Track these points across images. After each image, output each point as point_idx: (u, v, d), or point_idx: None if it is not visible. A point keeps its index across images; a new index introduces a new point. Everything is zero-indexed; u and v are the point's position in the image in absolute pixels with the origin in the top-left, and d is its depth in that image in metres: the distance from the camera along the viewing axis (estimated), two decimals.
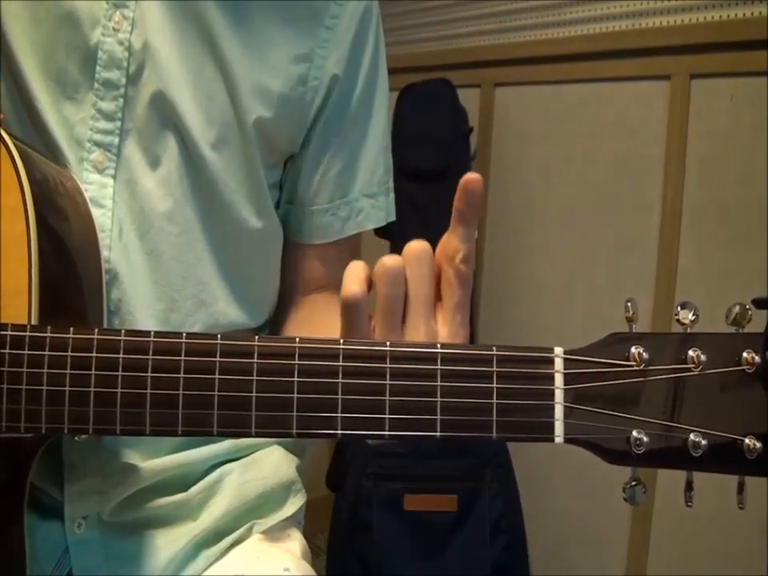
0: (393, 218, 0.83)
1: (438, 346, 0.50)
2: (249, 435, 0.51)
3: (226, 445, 0.77)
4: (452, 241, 0.53)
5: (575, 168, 1.73)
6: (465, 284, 0.53)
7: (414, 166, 1.97)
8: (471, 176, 0.51)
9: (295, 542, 0.80)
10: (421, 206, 1.96)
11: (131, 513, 0.71)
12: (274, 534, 0.79)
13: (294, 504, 0.80)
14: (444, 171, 1.95)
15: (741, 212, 1.36)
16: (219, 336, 0.51)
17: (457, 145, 1.96)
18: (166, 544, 0.72)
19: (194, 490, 0.74)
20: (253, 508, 0.78)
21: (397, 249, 1.93)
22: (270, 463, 0.79)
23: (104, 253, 0.68)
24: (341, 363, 0.50)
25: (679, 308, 0.51)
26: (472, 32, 2.02)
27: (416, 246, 0.53)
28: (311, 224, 0.80)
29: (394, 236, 1.99)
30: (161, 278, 0.71)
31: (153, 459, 0.72)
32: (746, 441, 0.49)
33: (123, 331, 0.52)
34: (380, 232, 2.08)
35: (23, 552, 0.60)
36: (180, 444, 0.74)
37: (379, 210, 0.81)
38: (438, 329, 0.53)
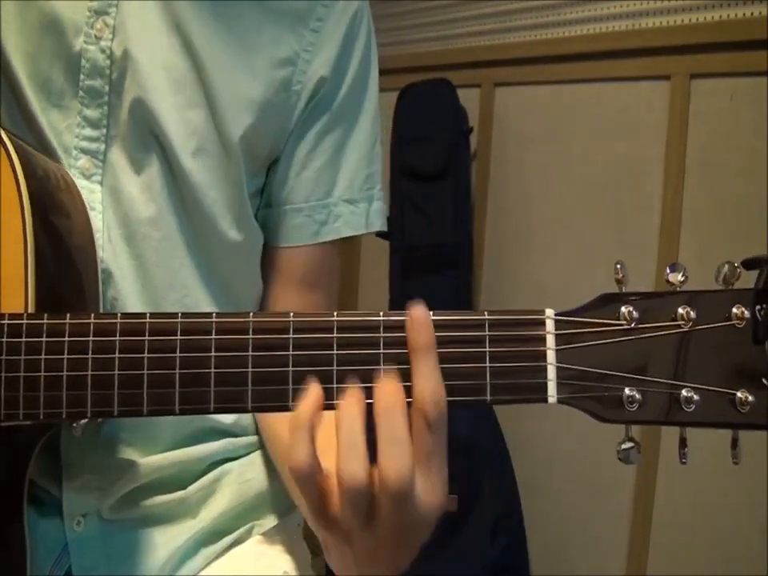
0: (377, 228, 0.80)
1: (431, 314, 0.50)
2: (245, 410, 0.51)
3: (224, 443, 0.77)
4: (416, 381, 0.48)
5: (575, 168, 1.73)
6: (434, 429, 0.47)
7: (413, 166, 1.97)
8: (415, 308, 0.49)
9: (294, 544, 0.80)
10: (421, 206, 1.96)
11: (130, 510, 0.71)
12: (273, 535, 0.79)
13: (292, 505, 0.80)
14: (444, 171, 1.95)
15: (741, 212, 1.36)
16: (214, 314, 0.51)
17: (457, 145, 1.96)
18: (165, 542, 0.72)
19: (192, 488, 0.74)
20: (251, 508, 0.78)
21: (396, 249, 1.95)
22: (268, 463, 0.79)
23: (99, 252, 0.68)
24: (335, 335, 0.50)
25: (668, 270, 0.51)
26: (472, 32, 2.02)
27: (386, 402, 0.48)
28: (285, 224, 0.77)
29: (394, 236, 1.99)
30: (147, 283, 0.71)
31: (151, 456, 0.72)
32: (738, 394, 0.49)
33: (119, 314, 0.52)
34: (380, 232, 2.08)
35: (24, 549, 0.60)
36: (178, 441, 0.74)
37: (359, 216, 0.78)
38: (417, 494, 0.48)
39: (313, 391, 0.49)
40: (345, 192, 0.77)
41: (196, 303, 0.73)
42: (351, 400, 0.48)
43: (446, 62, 2.11)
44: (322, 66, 0.73)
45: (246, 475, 0.78)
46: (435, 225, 1.94)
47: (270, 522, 0.79)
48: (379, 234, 2.36)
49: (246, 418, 0.80)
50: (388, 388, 0.48)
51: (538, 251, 1.84)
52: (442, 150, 1.95)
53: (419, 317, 0.49)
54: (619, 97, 1.62)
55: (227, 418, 0.77)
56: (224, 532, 0.76)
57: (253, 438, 0.80)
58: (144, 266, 0.71)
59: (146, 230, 0.70)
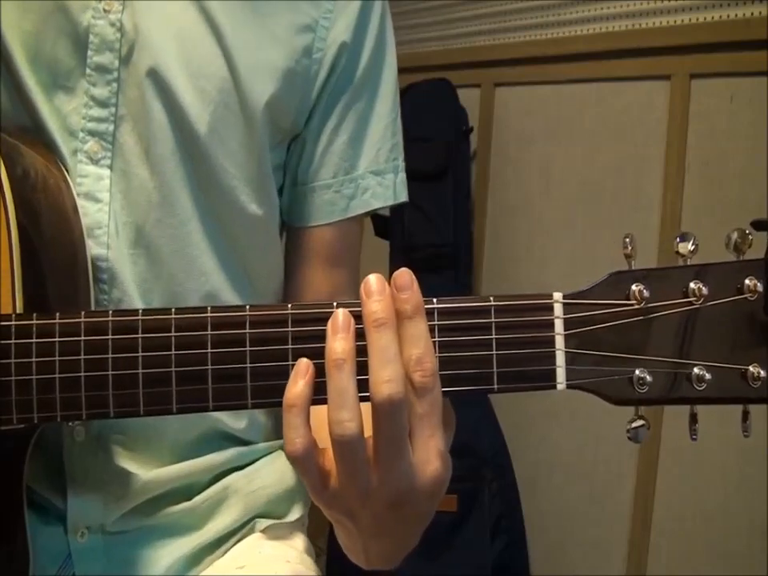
0: (402, 198, 0.79)
1: (435, 300, 0.49)
2: (245, 407, 0.50)
3: (231, 453, 0.75)
4: (402, 347, 0.47)
5: (575, 168, 1.73)
6: (423, 392, 0.47)
7: (414, 166, 1.96)
8: (398, 273, 0.48)
9: (297, 539, 0.80)
10: (421, 206, 1.96)
11: (135, 522, 0.70)
12: (276, 531, 0.78)
13: (298, 510, 0.80)
14: (444, 171, 1.95)
15: (741, 212, 1.36)
16: (209, 309, 0.50)
17: (457, 145, 1.96)
18: (170, 552, 0.71)
19: (198, 498, 0.73)
20: (258, 516, 0.77)
21: (396, 249, 1.94)
22: (273, 471, 0.78)
23: (101, 251, 0.66)
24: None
25: (678, 239, 0.50)
26: (472, 32, 2.02)
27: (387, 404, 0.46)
28: (314, 202, 0.75)
29: (394, 236, 1.99)
30: (162, 273, 0.69)
31: (156, 470, 0.71)
32: (750, 369, 0.48)
33: (111, 312, 0.51)
34: (380, 232, 2.08)
35: (27, 554, 0.59)
36: (183, 448, 0.72)
37: (386, 188, 0.77)
38: (412, 458, 0.47)
39: (303, 369, 0.48)
40: (371, 164, 0.76)
41: (216, 290, 0.71)
42: (341, 345, 0.47)
43: (446, 62, 2.11)
44: (342, 32, 0.72)
45: (254, 484, 0.76)
46: (435, 225, 1.94)
47: (273, 520, 0.78)
48: (379, 234, 2.34)
49: (258, 423, 0.78)
50: (377, 305, 0.47)
51: (537, 251, 1.84)
52: (442, 149, 1.95)
53: (403, 282, 0.48)
54: (619, 97, 1.62)
55: (239, 423, 0.75)
56: (228, 536, 0.75)
57: (261, 446, 0.78)
58: (158, 255, 0.68)
59: (159, 216, 0.68)
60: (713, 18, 1.38)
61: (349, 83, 0.74)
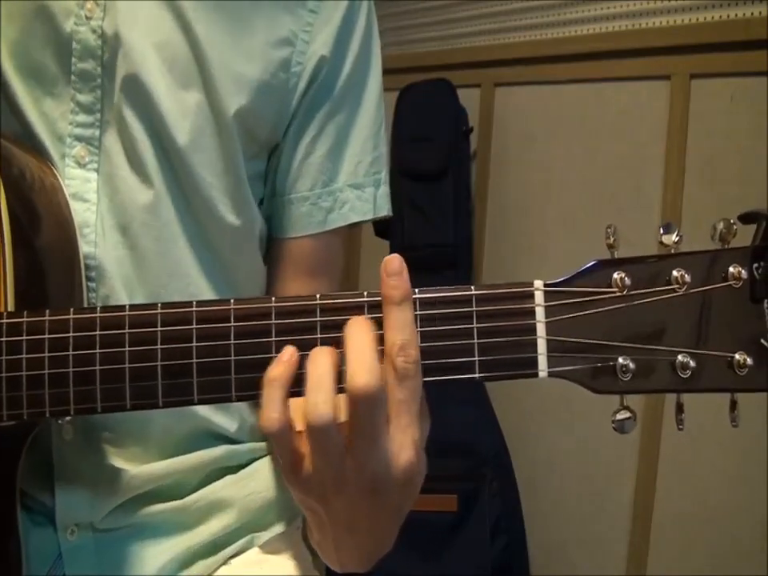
0: (384, 213, 0.78)
1: (416, 291, 0.50)
2: (230, 400, 0.50)
3: (222, 451, 0.75)
4: (387, 333, 0.48)
5: (575, 168, 1.73)
6: (404, 379, 0.47)
7: (413, 166, 1.97)
8: (389, 258, 0.49)
9: (295, 549, 0.79)
10: (421, 206, 1.96)
11: (125, 520, 0.70)
12: (274, 544, 0.78)
13: (292, 517, 0.79)
14: (444, 171, 1.95)
15: (740, 211, 1.36)
16: (195, 303, 0.51)
17: (457, 145, 1.96)
18: (161, 552, 0.71)
19: (189, 499, 0.73)
20: (253, 522, 0.77)
21: (396, 249, 1.95)
22: (266, 475, 0.78)
23: (90, 249, 0.67)
24: (318, 319, 0.50)
25: (662, 230, 0.51)
26: (472, 32, 2.02)
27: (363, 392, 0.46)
28: (291, 214, 0.75)
29: (394, 236, 1.99)
30: (146, 274, 0.69)
31: (144, 465, 0.70)
32: (736, 356, 0.48)
33: (99, 308, 0.52)
34: (380, 232, 2.08)
35: (19, 555, 0.59)
36: (172, 444, 0.72)
37: (366, 202, 0.76)
38: (387, 445, 0.48)
39: (286, 351, 0.49)
40: (350, 177, 0.75)
41: (199, 293, 0.71)
42: (323, 347, 0.48)
43: (446, 62, 2.11)
44: (322, 45, 0.72)
45: (249, 488, 0.76)
46: (435, 225, 1.94)
47: (270, 532, 0.78)
48: (379, 234, 2.33)
49: (249, 423, 0.77)
50: (359, 323, 0.48)
51: (537, 251, 1.84)
52: (442, 149, 1.95)
53: (393, 268, 0.49)
54: (619, 97, 1.62)
55: (228, 422, 0.75)
56: (223, 545, 0.75)
57: (254, 445, 0.78)
58: (142, 256, 0.69)
59: (144, 218, 0.68)
60: (713, 17, 1.38)
61: (328, 95, 0.73)
